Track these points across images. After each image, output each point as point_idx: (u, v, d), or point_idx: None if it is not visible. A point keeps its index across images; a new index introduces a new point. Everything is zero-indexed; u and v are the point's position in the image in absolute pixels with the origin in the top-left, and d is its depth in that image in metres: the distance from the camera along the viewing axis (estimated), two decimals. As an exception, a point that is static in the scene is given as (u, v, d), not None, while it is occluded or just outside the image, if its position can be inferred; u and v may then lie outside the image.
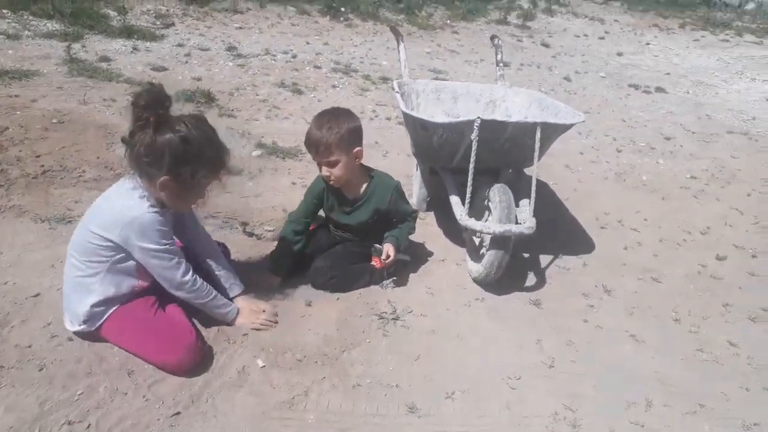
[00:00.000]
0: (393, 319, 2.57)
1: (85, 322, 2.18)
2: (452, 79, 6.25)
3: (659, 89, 6.77)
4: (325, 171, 2.60)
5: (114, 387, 2.06)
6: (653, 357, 2.54)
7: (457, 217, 2.77)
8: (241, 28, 6.87)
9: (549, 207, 3.72)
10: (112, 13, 6.39)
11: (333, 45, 6.85)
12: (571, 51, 8.21)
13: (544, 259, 3.17)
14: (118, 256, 2.11)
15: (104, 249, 2.09)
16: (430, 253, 3.11)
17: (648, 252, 3.38)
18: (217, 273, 2.43)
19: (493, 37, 4.04)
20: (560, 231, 3.47)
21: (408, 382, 2.25)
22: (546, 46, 8.34)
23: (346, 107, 2.72)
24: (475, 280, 2.85)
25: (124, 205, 2.07)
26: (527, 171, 3.19)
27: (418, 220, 3.33)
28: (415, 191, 3.52)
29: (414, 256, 3.01)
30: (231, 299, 2.42)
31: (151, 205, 2.07)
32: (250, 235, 3.09)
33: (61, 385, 2.04)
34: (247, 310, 2.41)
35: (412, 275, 2.91)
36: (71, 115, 3.98)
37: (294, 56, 6.15)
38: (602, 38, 9.28)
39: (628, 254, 3.34)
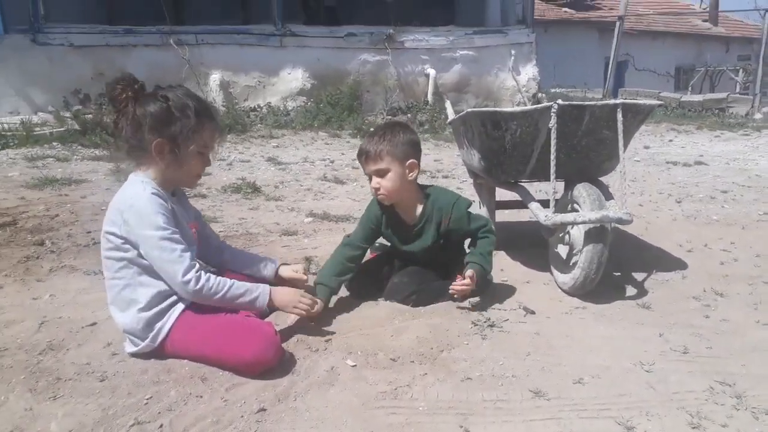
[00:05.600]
0: (489, 326, 2.26)
1: (145, 337, 1.92)
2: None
3: (699, 163, 6.69)
4: (374, 182, 2.36)
5: (187, 392, 1.78)
6: (802, 339, 2.17)
7: (542, 219, 2.54)
8: (278, 146, 7.09)
9: (626, 238, 3.46)
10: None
11: (367, 153, 7.00)
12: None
13: (639, 275, 2.86)
14: (135, 251, 1.88)
15: (119, 249, 1.89)
16: (512, 278, 2.83)
17: (748, 264, 3.06)
18: (250, 266, 2.34)
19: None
20: (646, 255, 3.19)
21: (525, 373, 1.92)
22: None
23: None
24: (571, 290, 2.55)
25: (123, 194, 1.92)
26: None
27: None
28: (481, 229, 3.30)
29: (495, 280, 2.74)
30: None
31: (153, 188, 1.89)
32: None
33: (125, 392, 1.77)
34: (286, 289, 2.11)
35: (499, 293, 2.62)
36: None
37: (332, 161, 6.27)
38: (625, 139, 9.45)
39: (727, 268, 3.01)
